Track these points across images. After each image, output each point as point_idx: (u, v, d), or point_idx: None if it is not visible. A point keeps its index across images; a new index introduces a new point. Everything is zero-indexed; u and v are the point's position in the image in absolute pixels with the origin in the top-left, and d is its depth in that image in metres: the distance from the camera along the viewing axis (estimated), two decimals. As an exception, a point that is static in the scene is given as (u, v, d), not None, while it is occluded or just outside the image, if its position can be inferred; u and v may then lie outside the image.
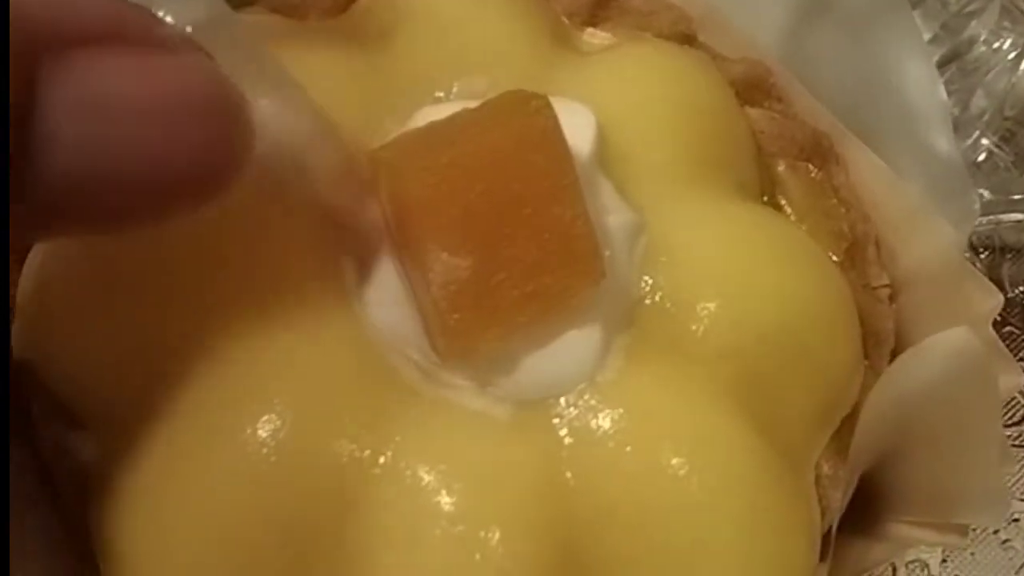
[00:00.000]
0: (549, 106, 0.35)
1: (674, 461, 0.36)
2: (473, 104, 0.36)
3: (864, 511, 0.42)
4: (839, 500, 0.39)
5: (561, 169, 0.35)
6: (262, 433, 0.34)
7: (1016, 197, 0.57)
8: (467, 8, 0.42)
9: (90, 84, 0.27)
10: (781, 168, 0.45)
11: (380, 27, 0.42)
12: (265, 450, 0.34)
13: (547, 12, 0.45)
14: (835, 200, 0.45)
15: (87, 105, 0.26)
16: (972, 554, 0.50)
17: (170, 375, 0.35)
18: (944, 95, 0.43)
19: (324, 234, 0.37)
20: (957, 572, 0.50)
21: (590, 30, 0.46)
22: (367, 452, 0.35)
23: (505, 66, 0.41)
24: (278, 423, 0.34)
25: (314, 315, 0.36)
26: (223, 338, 0.35)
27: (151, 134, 0.27)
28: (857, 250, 0.44)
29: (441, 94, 0.41)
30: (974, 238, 0.56)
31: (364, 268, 0.37)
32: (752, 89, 0.46)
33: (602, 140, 0.39)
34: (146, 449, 0.35)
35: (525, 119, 0.35)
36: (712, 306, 0.38)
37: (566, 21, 0.46)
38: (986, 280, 0.42)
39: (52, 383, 0.37)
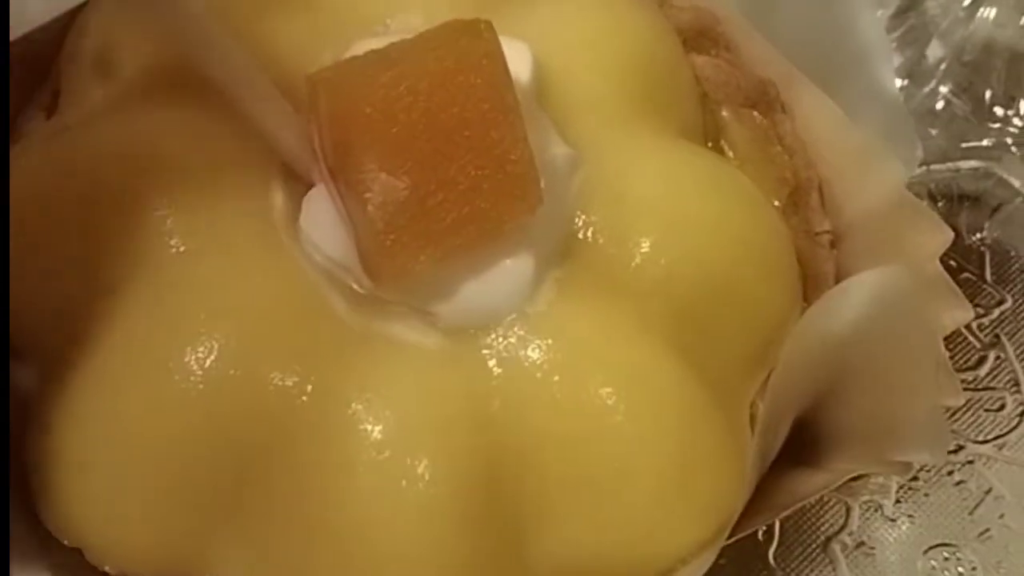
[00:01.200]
0: (492, 31, 0.35)
1: (602, 391, 0.36)
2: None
3: (809, 448, 0.42)
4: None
5: (500, 94, 0.35)
6: (190, 361, 0.34)
7: (973, 145, 0.57)
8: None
9: None
10: (726, 114, 0.45)
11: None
12: (193, 378, 0.34)
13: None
14: (779, 147, 0.45)
15: None
16: (926, 495, 0.51)
17: (104, 304, 0.36)
18: (888, 42, 0.44)
19: (255, 163, 0.38)
20: (911, 512, 0.50)
21: (539, -24, 0.47)
22: (293, 381, 0.35)
23: (443, 6, 0.41)
24: (204, 351, 0.35)
25: (244, 245, 0.37)
26: (154, 268, 0.36)
27: None
28: (800, 196, 0.45)
29: (379, 28, 0.41)
30: (932, 186, 0.56)
31: (296, 196, 0.38)
32: (699, 37, 0.46)
33: (542, 78, 0.40)
34: (82, 377, 0.36)
35: (468, 41, 0.35)
36: (645, 242, 0.38)
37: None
38: (935, 216, 0.42)
39: None
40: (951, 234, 0.42)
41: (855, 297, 0.36)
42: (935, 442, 0.39)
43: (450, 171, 0.35)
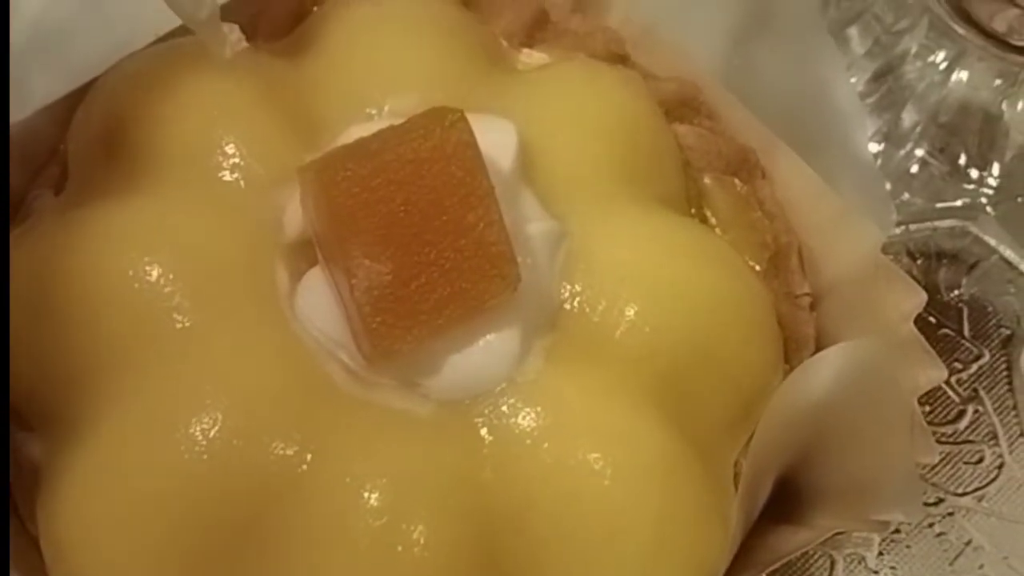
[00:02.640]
0: (464, 120, 0.38)
1: (590, 456, 0.38)
2: (400, 121, 0.39)
3: (791, 506, 0.43)
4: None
5: (475, 179, 0.37)
6: (195, 432, 0.36)
7: (949, 205, 0.58)
8: (401, 30, 0.45)
9: None
10: (708, 182, 0.47)
11: (320, 48, 0.45)
12: (197, 448, 0.36)
13: (484, 34, 0.48)
14: (759, 212, 0.47)
15: None
16: (908, 547, 0.52)
17: (112, 378, 0.37)
18: (863, 108, 0.45)
19: (260, 242, 0.40)
20: (893, 564, 0.52)
21: (527, 51, 0.49)
22: (293, 450, 0.37)
23: (435, 86, 0.43)
24: (209, 423, 0.36)
25: (248, 321, 0.38)
26: (162, 344, 0.37)
27: None
28: (780, 260, 0.46)
29: (373, 111, 0.43)
30: (911, 244, 0.58)
31: (298, 275, 0.40)
32: (682, 106, 0.48)
33: (526, 153, 0.41)
34: (90, 448, 0.37)
35: (441, 132, 0.37)
36: (629, 311, 0.40)
37: (504, 43, 0.49)
38: (909, 279, 0.44)
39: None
40: (924, 296, 0.43)
41: (827, 369, 0.38)
42: (909, 502, 0.40)
43: (431, 255, 0.37)
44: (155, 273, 0.38)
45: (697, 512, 0.39)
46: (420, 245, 0.37)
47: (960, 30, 0.55)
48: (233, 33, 0.41)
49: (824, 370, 0.38)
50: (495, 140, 0.40)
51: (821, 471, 0.42)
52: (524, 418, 0.38)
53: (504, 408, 0.38)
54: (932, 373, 0.43)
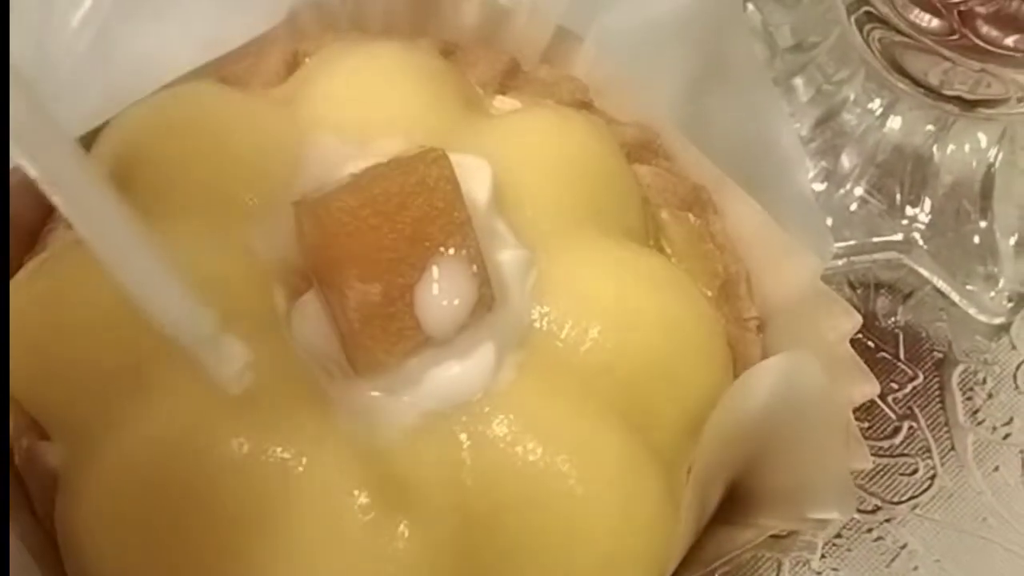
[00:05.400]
0: (445, 158, 0.42)
1: (557, 458, 0.42)
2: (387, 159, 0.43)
3: (736, 508, 0.48)
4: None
5: (454, 210, 0.42)
6: (198, 438, 0.40)
7: (886, 239, 0.63)
8: (389, 79, 0.49)
9: None
10: (665, 216, 0.51)
11: (313, 94, 0.49)
12: (201, 451, 0.40)
13: (461, 82, 0.52)
14: (711, 244, 0.51)
15: None
16: (848, 550, 0.57)
17: (118, 391, 0.42)
18: (805, 151, 0.50)
19: (258, 269, 0.44)
20: (835, 566, 0.56)
21: (500, 98, 0.53)
22: (290, 454, 0.41)
23: (419, 128, 0.48)
24: (211, 430, 0.40)
25: (248, 338, 0.42)
26: (166, 357, 0.41)
27: None
28: (730, 287, 0.51)
29: (363, 151, 0.47)
30: (851, 276, 0.63)
31: (294, 297, 0.44)
32: (641, 149, 0.53)
33: (500, 189, 0.46)
34: (100, 453, 0.41)
35: (424, 168, 0.42)
36: (592, 331, 0.44)
37: (480, 90, 0.53)
38: (846, 303, 0.48)
39: (24, 404, 0.44)
40: (860, 319, 0.48)
41: (763, 380, 0.42)
42: (844, 503, 0.44)
43: (415, 277, 0.41)
44: None
45: (656, 513, 0.43)
46: (405, 268, 0.41)
47: (894, 80, 0.60)
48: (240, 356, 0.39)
49: (760, 383, 0.42)
50: (472, 177, 0.44)
51: (762, 474, 0.46)
52: (498, 424, 0.42)
53: (480, 416, 0.43)
54: (866, 388, 0.48)
